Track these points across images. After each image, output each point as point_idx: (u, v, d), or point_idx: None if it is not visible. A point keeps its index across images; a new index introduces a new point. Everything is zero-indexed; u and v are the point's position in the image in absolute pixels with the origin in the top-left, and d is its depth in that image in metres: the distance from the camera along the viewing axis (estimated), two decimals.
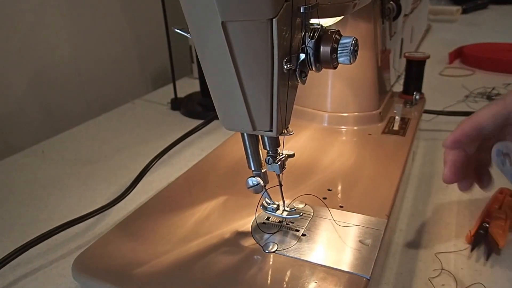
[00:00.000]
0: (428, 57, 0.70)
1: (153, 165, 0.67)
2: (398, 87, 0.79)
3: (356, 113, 0.63)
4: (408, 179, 0.61)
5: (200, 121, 0.82)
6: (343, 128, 0.63)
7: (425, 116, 0.78)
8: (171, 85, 0.98)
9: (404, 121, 0.63)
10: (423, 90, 0.73)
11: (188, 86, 1.09)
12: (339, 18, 0.37)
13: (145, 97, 1.05)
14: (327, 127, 0.63)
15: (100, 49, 0.99)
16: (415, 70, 0.71)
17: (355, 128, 0.62)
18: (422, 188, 0.59)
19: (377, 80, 0.63)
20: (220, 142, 0.62)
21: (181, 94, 0.99)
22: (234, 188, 0.49)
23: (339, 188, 0.48)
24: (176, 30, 0.37)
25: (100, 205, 0.56)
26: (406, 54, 0.71)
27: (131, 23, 1.04)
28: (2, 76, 0.79)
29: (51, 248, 0.51)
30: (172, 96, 0.97)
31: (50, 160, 0.76)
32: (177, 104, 0.96)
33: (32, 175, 0.70)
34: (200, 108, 0.91)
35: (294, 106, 0.36)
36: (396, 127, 0.61)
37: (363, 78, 0.62)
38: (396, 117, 0.63)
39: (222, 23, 0.30)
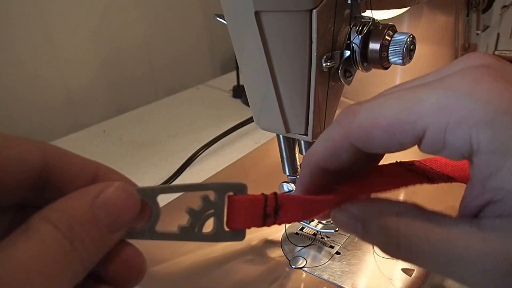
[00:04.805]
0: None
1: (200, 154, 0.65)
2: None
3: None
4: None
5: None
6: None
7: None
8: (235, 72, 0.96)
9: None
10: None
11: None
12: (400, 11, 0.32)
13: (209, 83, 1.04)
14: None
15: (171, 34, 1.00)
16: None
17: None
18: None
19: None
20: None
21: None
22: (274, 190, 0.45)
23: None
24: (216, 18, 0.34)
25: None
26: (496, 53, 0.62)
27: (203, 6, 1.03)
28: (77, 54, 0.82)
29: None
30: (235, 83, 0.95)
31: (108, 140, 0.77)
32: (239, 92, 0.94)
33: (89, 154, 0.72)
34: None
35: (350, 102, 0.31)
36: None
37: None
38: None
39: (256, 13, 0.26)
